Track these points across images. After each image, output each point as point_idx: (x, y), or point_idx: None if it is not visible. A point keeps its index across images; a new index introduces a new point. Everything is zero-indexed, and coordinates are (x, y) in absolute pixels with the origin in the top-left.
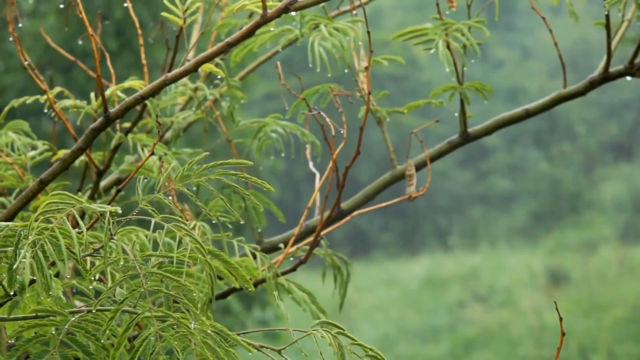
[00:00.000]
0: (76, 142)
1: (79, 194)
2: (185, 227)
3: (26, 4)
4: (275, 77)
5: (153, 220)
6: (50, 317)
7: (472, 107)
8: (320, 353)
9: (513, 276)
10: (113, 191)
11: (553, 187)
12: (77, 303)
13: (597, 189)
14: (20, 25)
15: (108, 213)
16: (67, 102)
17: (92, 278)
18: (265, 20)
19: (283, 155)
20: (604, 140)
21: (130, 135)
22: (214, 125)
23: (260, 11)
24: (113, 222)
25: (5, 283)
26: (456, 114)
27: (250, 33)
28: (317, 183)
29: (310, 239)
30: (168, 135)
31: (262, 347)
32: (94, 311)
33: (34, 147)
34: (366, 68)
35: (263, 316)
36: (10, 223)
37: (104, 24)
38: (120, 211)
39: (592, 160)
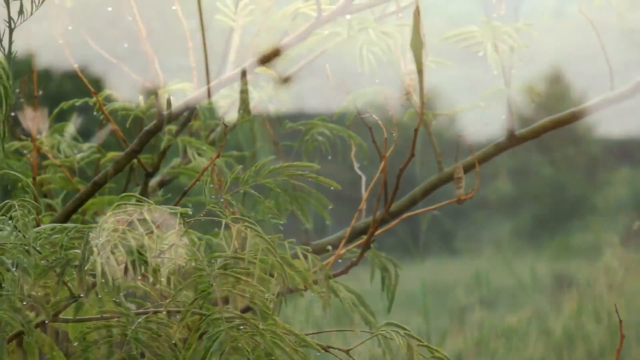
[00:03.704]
0: (128, 145)
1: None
2: (256, 229)
3: (33, 6)
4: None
5: (223, 222)
6: (116, 319)
7: (472, 109)
8: (384, 353)
9: (518, 280)
10: (160, 193)
11: (557, 191)
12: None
13: (602, 193)
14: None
15: (179, 215)
16: (117, 105)
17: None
18: (320, 23)
19: (330, 158)
20: (608, 144)
21: (178, 138)
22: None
23: (314, 14)
24: (183, 224)
25: (71, 285)
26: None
27: (305, 36)
28: (364, 186)
29: (360, 240)
30: (212, 137)
31: (329, 347)
32: (164, 312)
33: (79, 150)
34: (421, 71)
35: None
36: (76, 225)
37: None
38: (190, 212)
39: (596, 164)
